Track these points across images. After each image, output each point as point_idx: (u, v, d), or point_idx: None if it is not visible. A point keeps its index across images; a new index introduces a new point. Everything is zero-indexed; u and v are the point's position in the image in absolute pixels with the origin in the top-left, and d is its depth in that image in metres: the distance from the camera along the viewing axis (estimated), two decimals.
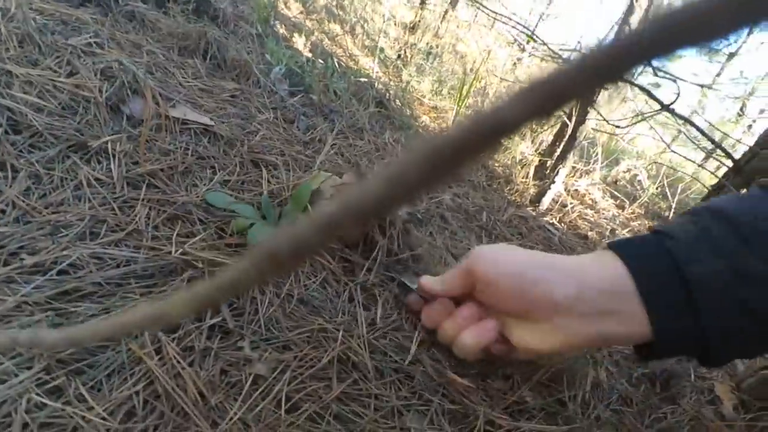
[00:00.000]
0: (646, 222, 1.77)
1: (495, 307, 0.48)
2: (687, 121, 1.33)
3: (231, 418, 0.37)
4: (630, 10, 1.38)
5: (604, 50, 0.09)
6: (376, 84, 1.32)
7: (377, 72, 1.56)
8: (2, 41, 0.61)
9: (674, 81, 1.24)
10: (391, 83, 1.59)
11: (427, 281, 0.53)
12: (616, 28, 1.50)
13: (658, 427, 0.57)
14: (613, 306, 0.42)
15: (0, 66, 0.57)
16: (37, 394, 0.32)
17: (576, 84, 0.09)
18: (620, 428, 0.54)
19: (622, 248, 0.43)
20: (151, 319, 0.18)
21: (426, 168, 0.10)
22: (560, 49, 1.50)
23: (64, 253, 0.42)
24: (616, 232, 1.43)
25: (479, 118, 0.10)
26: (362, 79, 1.28)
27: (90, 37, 0.72)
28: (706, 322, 0.40)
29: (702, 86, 2.01)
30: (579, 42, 1.49)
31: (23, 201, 0.46)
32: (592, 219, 1.43)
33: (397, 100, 1.38)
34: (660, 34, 0.08)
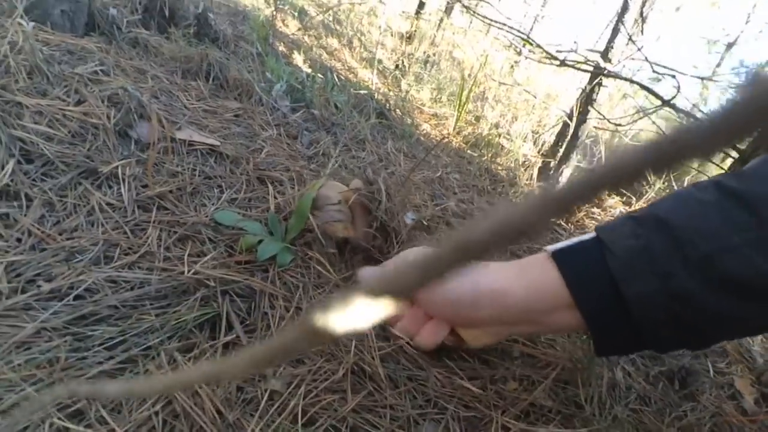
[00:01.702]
0: None
1: (434, 315, 0.52)
2: (688, 114, 1.32)
3: None
4: (625, 8, 1.39)
5: (621, 161, 0.10)
6: (375, 95, 1.34)
7: (376, 83, 1.58)
8: (12, 73, 0.63)
9: (673, 76, 1.24)
10: (391, 93, 1.60)
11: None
12: (611, 26, 1.51)
13: (679, 426, 0.56)
14: (535, 317, 0.47)
15: (11, 98, 0.59)
16: (59, 419, 0.33)
17: (592, 190, 0.10)
18: (640, 428, 0.53)
19: (561, 258, 0.46)
20: (209, 376, 0.19)
21: (456, 256, 0.12)
22: (557, 51, 1.51)
23: (80, 278, 0.43)
24: None
25: (498, 220, 0.11)
26: (362, 91, 1.29)
27: (96, 65, 0.74)
28: (642, 334, 0.42)
29: (702, 78, 2.01)
30: (575, 42, 1.50)
31: (38, 229, 0.47)
32: (599, 217, 1.42)
33: (398, 110, 1.39)
34: (675, 150, 0.09)
